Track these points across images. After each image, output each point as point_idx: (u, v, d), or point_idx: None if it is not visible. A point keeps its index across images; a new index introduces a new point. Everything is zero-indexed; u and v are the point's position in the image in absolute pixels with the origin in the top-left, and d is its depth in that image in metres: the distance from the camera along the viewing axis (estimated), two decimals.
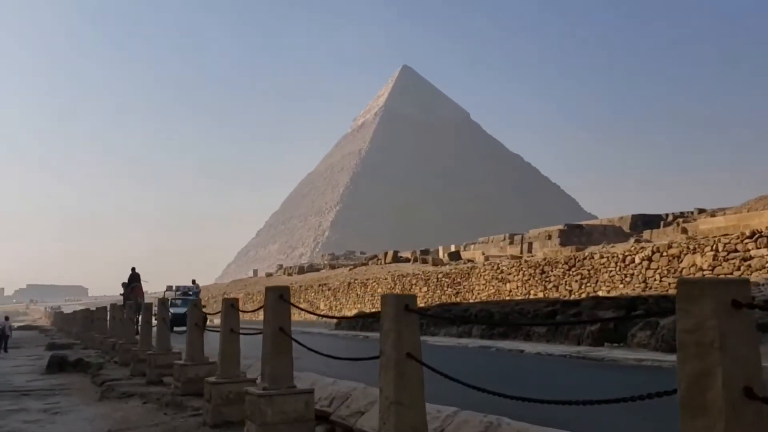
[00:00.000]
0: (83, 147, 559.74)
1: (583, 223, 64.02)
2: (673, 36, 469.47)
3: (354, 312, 40.43)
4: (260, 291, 60.35)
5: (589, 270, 24.77)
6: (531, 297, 26.94)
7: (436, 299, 33.12)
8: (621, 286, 23.21)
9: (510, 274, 28.67)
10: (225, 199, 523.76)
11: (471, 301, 30.16)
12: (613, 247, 27.50)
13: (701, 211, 55.09)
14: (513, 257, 45.03)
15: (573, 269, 25.43)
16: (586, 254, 25.33)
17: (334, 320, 29.34)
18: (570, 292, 25.25)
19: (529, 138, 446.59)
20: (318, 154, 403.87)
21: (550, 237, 58.46)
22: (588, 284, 24.72)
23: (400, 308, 4.56)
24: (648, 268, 22.51)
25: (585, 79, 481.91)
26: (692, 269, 20.97)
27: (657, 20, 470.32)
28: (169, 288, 35.12)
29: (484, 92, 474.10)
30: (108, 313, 22.36)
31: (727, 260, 19.75)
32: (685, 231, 47.80)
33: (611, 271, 23.90)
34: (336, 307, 43.55)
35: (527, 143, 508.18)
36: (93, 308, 28.89)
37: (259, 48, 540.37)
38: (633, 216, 59.53)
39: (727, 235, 21.01)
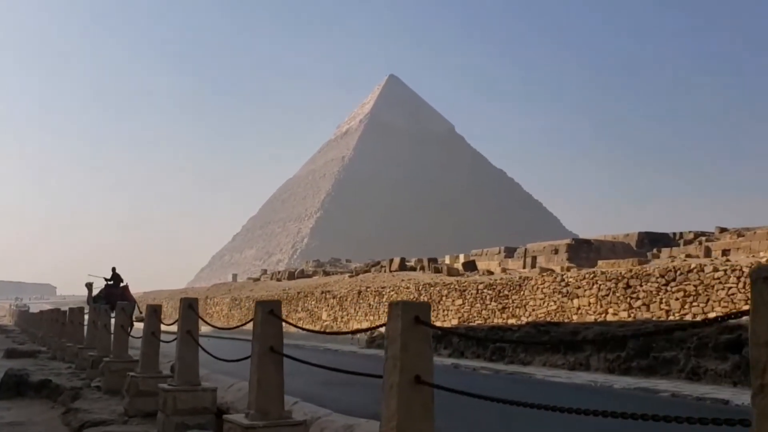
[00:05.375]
0: (56, 140, 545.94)
1: (591, 238, 61.04)
2: (665, 52, 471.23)
3: (366, 324, 35.16)
4: (248, 296, 54.59)
5: (696, 286, 19.73)
6: (609, 317, 21.94)
7: (475, 314, 27.93)
8: (745, 307, 18.24)
9: (579, 287, 23.55)
10: (199, 202, 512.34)
11: (523, 319, 25.11)
12: (734, 261, 22.57)
13: (723, 230, 52.37)
14: (544, 270, 40.18)
15: (672, 284, 20.40)
16: (693, 266, 20.32)
17: (349, 335, 24.52)
18: (668, 312, 20.23)
19: (512, 154, 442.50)
20: (299, 159, 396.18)
21: (556, 251, 54.14)
22: (695, 303, 19.67)
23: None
24: None
25: (571, 99, 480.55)
26: None
27: (648, 32, 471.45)
28: None
29: (469, 106, 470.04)
30: (86, 316, 17.01)
31: None
32: (708, 250, 43.68)
33: (730, 288, 18.91)
34: (342, 317, 38.18)
35: (511, 159, 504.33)
36: (63, 308, 23.23)
37: (242, 50, 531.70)
38: (639, 234, 59.18)
39: None
